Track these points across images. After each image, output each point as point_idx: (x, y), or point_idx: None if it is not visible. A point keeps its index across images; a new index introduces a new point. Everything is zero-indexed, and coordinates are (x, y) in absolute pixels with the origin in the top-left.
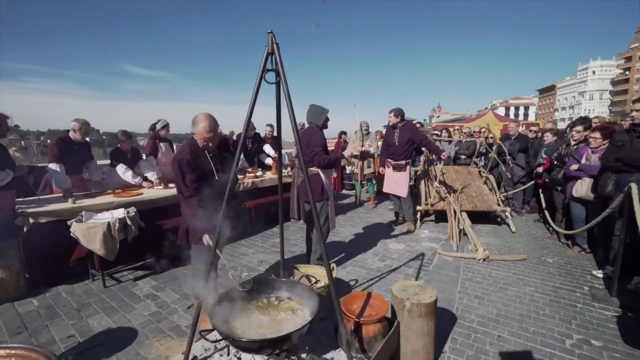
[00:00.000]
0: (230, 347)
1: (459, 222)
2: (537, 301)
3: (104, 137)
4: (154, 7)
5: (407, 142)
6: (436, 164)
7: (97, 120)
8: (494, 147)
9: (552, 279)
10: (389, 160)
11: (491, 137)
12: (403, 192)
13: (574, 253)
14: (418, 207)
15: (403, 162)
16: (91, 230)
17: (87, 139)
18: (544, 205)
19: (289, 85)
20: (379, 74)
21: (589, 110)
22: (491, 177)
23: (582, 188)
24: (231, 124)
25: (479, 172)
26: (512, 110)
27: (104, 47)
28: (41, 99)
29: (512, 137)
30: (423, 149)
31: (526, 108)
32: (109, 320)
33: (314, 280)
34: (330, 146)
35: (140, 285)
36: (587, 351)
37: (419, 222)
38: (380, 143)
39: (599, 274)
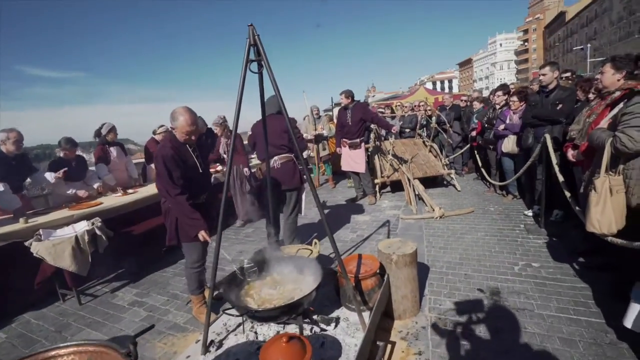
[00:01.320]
0: (245, 325)
1: (413, 188)
2: (488, 242)
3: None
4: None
5: (359, 121)
6: (387, 139)
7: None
8: (433, 118)
9: (496, 223)
10: (344, 140)
11: (429, 110)
12: (361, 167)
13: (509, 200)
14: (375, 181)
15: (358, 140)
16: (58, 247)
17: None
18: (480, 164)
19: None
20: (314, 57)
21: (501, 79)
22: (435, 145)
23: (509, 144)
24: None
25: (423, 142)
26: (438, 85)
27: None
28: None
29: (447, 108)
30: (373, 126)
31: (450, 81)
32: (99, 334)
33: (308, 252)
34: None
35: (120, 296)
36: (530, 272)
37: (378, 194)
38: (331, 125)
39: (530, 213)
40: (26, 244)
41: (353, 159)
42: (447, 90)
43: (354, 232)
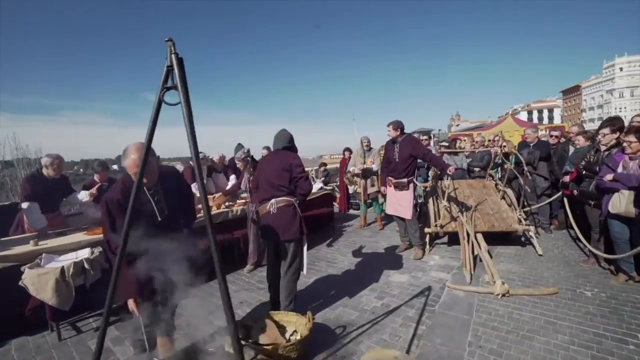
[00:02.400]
0: None
1: (473, 246)
2: (574, 358)
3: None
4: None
5: (408, 157)
6: (445, 179)
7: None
8: (511, 157)
9: (594, 321)
10: (389, 178)
11: (504, 146)
12: (407, 213)
13: (620, 283)
14: (426, 230)
15: (405, 179)
16: (42, 278)
17: (63, 173)
18: (573, 221)
19: None
20: (384, 85)
21: (620, 108)
22: (509, 191)
23: (621, 202)
24: (223, 146)
25: (496, 185)
26: (535, 115)
27: (126, 79)
28: (73, 130)
29: (531, 145)
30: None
31: (550, 111)
32: None
33: (290, 331)
34: (334, 163)
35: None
36: None
37: (427, 246)
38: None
39: None
40: (22, 269)
41: (398, 202)
42: (546, 121)
43: (380, 298)
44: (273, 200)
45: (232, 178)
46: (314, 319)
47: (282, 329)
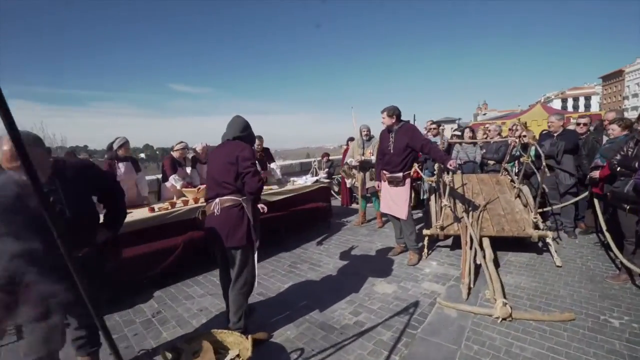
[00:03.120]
0: None
1: (475, 253)
2: None
3: (157, 152)
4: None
5: (404, 149)
6: (448, 174)
7: (149, 137)
8: (530, 149)
9: None
10: (383, 172)
11: (524, 136)
12: (402, 212)
13: None
14: (425, 231)
15: (400, 174)
16: None
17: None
18: (603, 225)
19: None
20: (409, 74)
21: None
22: (525, 189)
23: None
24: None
25: (511, 181)
26: (569, 102)
27: (154, 68)
28: (102, 120)
29: (555, 135)
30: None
31: (587, 98)
32: None
33: (232, 355)
34: (338, 155)
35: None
36: None
37: (425, 250)
38: None
39: None
40: None
41: (392, 199)
42: (582, 109)
43: (356, 313)
44: (217, 200)
45: None
46: (265, 339)
47: (221, 352)
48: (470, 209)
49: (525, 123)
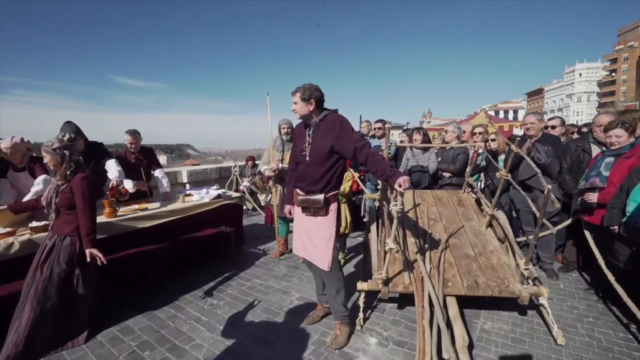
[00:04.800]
0: None
1: (437, 323)
2: None
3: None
4: (143, 18)
5: (328, 155)
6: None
7: (90, 132)
8: (501, 157)
9: None
10: (296, 190)
11: (493, 140)
12: (322, 260)
13: None
14: (359, 285)
15: (321, 196)
16: None
17: None
18: (610, 276)
19: None
20: (363, 79)
21: (577, 112)
22: (501, 216)
23: None
24: (229, 135)
25: (477, 201)
26: (501, 114)
27: (93, 59)
28: (30, 112)
29: (534, 139)
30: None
31: (515, 112)
32: None
33: None
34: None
35: None
36: None
37: (361, 314)
38: None
39: None
40: None
41: (309, 236)
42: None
43: None
44: None
45: (40, 180)
46: None
47: None
48: (426, 246)
49: (489, 126)
